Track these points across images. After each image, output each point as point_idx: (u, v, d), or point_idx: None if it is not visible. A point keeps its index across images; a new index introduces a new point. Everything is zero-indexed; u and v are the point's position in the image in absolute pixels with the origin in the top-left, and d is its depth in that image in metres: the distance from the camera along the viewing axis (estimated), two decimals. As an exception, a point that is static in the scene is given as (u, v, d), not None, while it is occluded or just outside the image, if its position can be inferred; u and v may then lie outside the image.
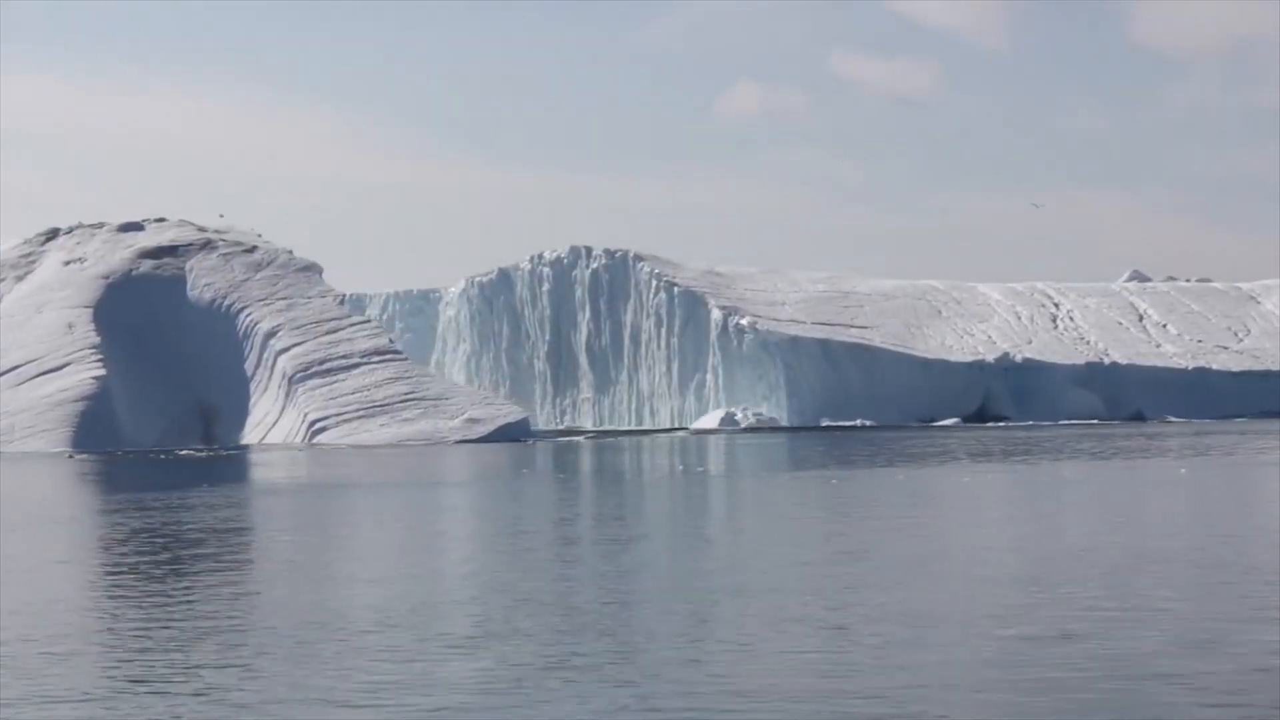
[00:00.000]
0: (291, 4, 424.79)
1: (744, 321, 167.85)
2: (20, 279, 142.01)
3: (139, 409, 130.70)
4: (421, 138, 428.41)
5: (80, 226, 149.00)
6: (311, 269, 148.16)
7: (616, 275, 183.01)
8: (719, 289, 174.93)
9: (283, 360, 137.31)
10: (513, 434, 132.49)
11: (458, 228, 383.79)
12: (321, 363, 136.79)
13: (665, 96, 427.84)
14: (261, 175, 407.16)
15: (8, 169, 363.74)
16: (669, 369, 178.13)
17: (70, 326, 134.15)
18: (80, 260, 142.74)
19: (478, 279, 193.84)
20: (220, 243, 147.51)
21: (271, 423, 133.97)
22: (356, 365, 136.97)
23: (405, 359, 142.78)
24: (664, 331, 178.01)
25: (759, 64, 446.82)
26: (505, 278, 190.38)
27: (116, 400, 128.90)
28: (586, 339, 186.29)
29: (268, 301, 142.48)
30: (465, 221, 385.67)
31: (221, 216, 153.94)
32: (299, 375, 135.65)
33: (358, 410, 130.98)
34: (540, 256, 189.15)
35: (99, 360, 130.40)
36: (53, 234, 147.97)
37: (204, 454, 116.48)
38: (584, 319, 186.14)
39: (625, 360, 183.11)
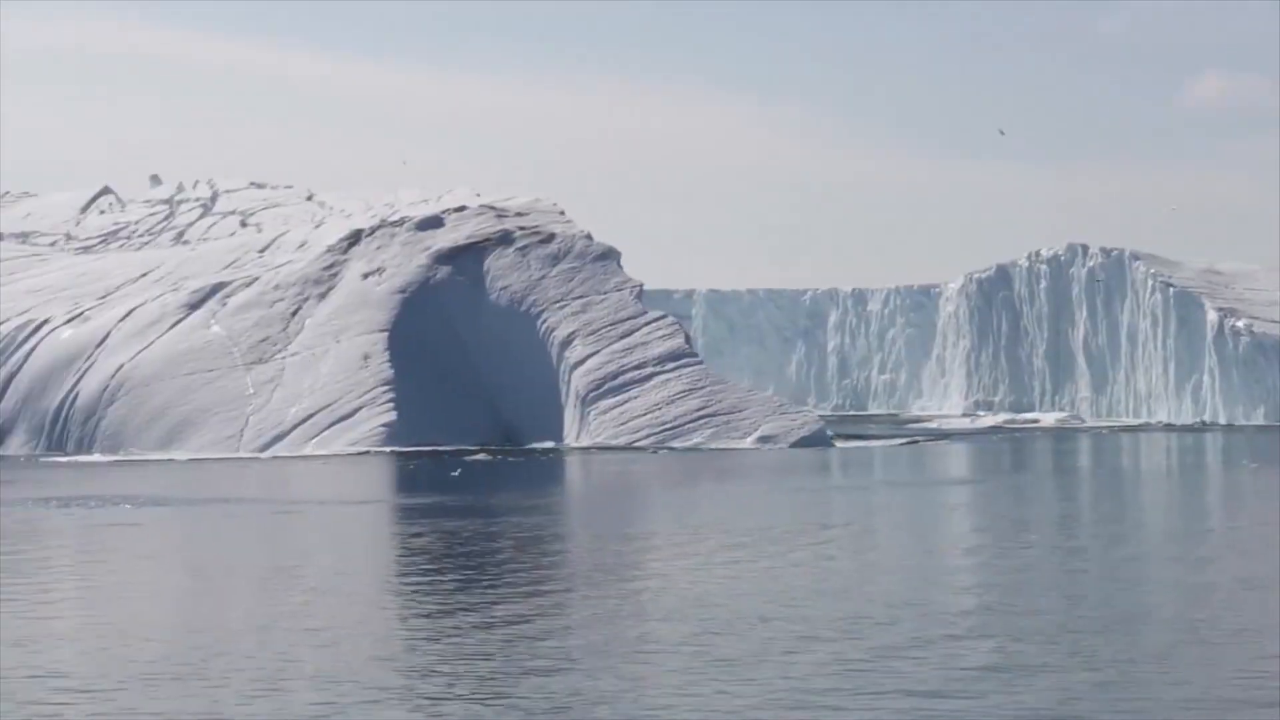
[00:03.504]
0: None
1: (1240, 324, 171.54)
2: (323, 296, 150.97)
3: (434, 437, 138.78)
4: (901, 135, 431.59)
5: (383, 226, 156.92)
6: (609, 256, 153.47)
7: (1112, 273, 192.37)
8: (1216, 289, 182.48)
9: (576, 377, 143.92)
10: (810, 444, 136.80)
11: (956, 223, 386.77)
12: (614, 376, 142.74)
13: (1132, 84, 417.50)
14: (688, 171, 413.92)
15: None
16: (1165, 370, 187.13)
17: (366, 358, 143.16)
18: (379, 271, 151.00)
19: (976, 275, 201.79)
20: (518, 233, 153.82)
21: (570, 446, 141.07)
22: (650, 376, 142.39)
23: (700, 362, 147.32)
24: (1159, 332, 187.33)
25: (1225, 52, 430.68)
26: (1004, 274, 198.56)
27: (409, 435, 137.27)
28: (1084, 337, 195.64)
29: (563, 303, 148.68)
30: (964, 217, 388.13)
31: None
32: (591, 395, 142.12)
33: (647, 435, 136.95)
34: (1038, 254, 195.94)
35: (390, 401, 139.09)
36: (355, 238, 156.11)
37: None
38: (1081, 317, 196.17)
39: (1122, 360, 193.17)
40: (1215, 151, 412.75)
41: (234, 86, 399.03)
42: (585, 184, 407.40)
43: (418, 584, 48.44)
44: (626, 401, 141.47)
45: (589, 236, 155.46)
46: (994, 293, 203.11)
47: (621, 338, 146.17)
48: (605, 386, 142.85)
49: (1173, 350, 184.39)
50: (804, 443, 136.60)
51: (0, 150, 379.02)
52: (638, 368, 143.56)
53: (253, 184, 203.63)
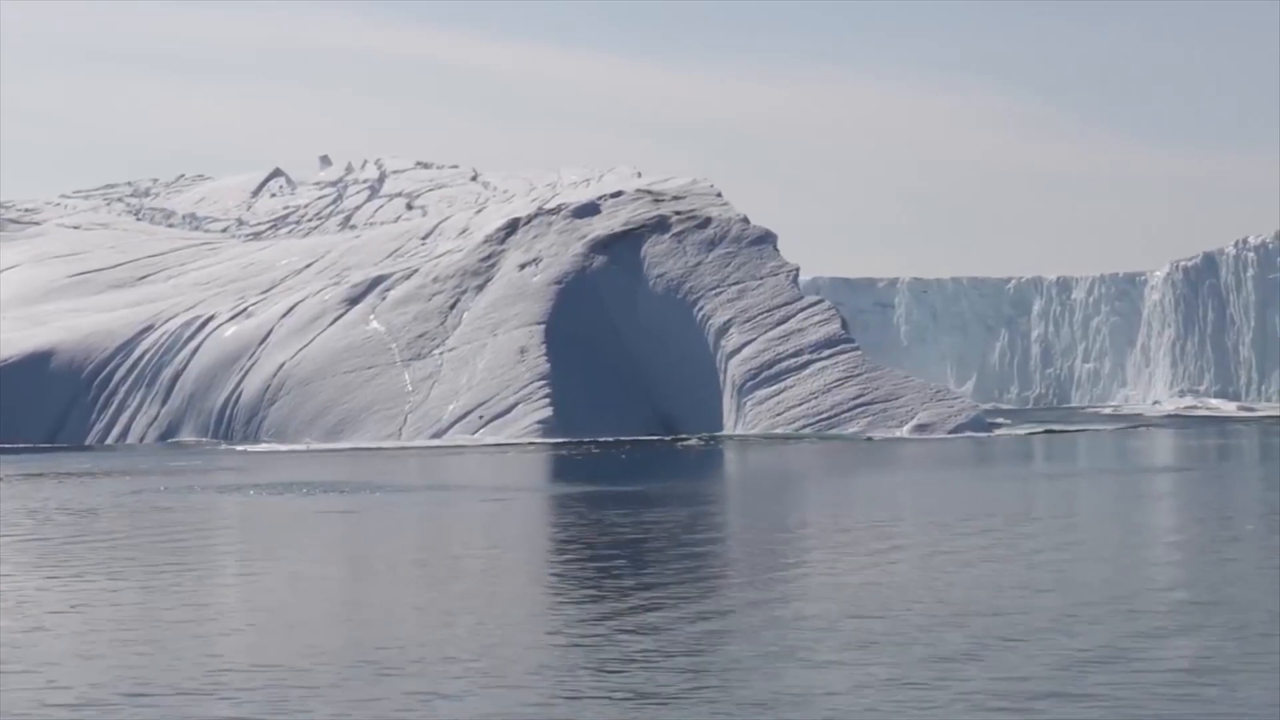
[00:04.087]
0: None
1: None
2: (480, 288, 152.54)
3: (592, 429, 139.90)
4: (1107, 122, 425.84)
5: (540, 214, 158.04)
6: (765, 240, 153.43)
7: None
8: None
9: (733, 366, 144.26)
10: (971, 430, 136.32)
11: (1162, 211, 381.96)
12: (770, 365, 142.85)
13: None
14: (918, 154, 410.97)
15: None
16: None
17: (523, 351, 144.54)
18: (535, 261, 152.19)
19: (1182, 263, 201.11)
20: (674, 218, 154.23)
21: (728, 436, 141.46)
22: (806, 364, 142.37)
23: (857, 348, 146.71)
24: None
25: None
26: (1210, 262, 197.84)
27: (566, 428, 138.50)
28: None
29: (719, 289, 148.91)
30: (1170, 204, 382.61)
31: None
32: (748, 385, 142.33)
33: (804, 426, 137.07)
34: (1245, 241, 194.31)
35: (546, 396, 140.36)
36: (512, 227, 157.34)
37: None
38: None
39: None
40: None
41: (402, 71, 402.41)
42: (779, 171, 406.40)
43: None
44: (783, 391, 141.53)
45: (745, 220, 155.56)
46: (1200, 281, 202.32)
47: (778, 324, 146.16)
48: (761, 375, 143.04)
49: None
50: (961, 429, 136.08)
51: (180, 136, 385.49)
52: (794, 355, 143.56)
53: (419, 164, 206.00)
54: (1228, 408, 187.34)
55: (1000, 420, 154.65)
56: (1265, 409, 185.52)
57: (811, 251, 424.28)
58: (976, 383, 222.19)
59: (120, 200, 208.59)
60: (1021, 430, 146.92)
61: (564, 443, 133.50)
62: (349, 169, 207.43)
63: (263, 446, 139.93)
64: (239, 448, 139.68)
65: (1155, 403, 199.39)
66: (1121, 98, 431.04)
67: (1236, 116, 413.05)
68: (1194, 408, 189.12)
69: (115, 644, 34.72)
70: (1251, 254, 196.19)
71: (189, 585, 46.02)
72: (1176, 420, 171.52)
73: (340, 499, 79.38)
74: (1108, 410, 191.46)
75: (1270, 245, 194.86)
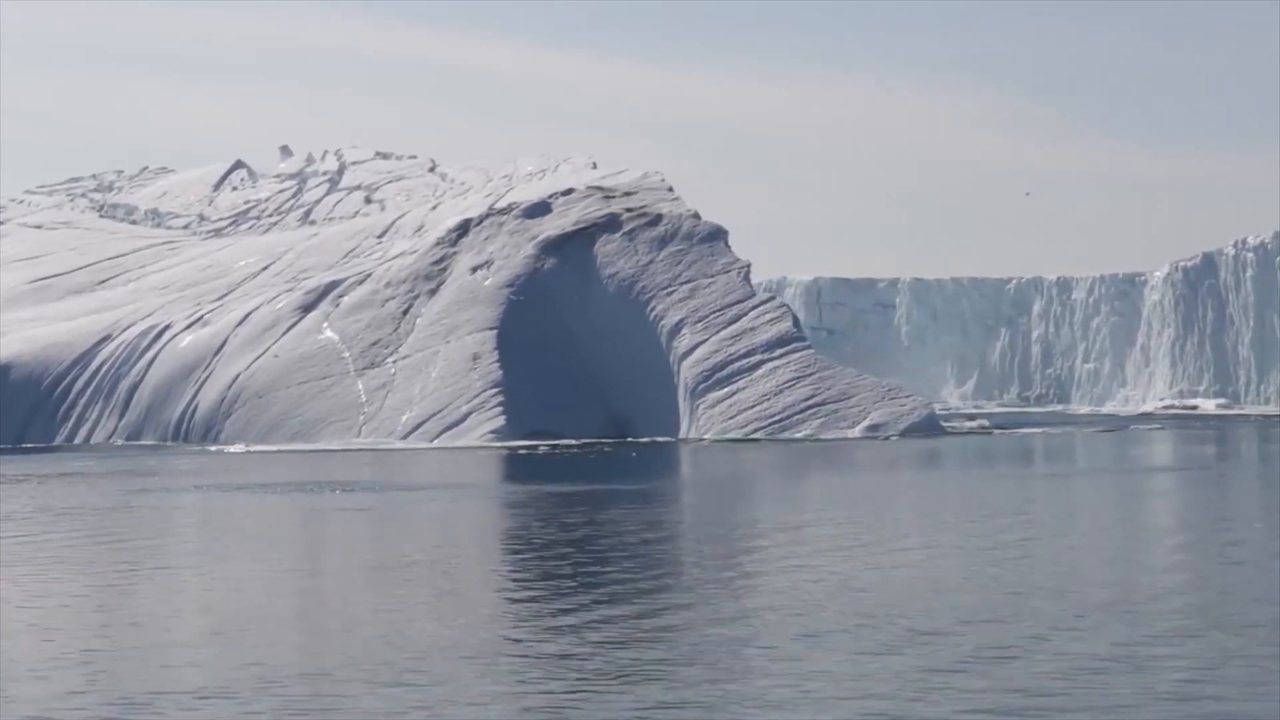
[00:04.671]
0: None
1: None
2: (433, 292, 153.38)
3: (545, 432, 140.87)
4: (1105, 123, 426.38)
5: (491, 214, 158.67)
6: (716, 236, 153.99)
7: None
8: None
9: (685, 368, 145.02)
10: (921, 432, 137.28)
11: (1161, 211, 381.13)
12: (722, 367, 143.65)
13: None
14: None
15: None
16: None
17: (475, 359, 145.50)
18: (487, 264, 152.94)
19: (1182, 264, 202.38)
20: (625, 215, 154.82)
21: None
22: (758, 364, 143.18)
23: (808, 347, 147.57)
24: None
25: None
26: (1209, 262, 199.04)
27: (520, 435, 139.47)
28: None
29: (671, 289, 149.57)
30: (1169, 205, 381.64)
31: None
32: (700, 387, 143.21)
33: (757, 429, 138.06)
34: (1244, 242, 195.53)
35: (499, 405, 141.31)
36: (464, 229, 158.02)
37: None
38: None
39: None
40: None
41: (362, 62, 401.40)
42: (777, 172, 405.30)
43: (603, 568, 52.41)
44: (735, 393, 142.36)
45: (696, 216, 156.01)
46: (1200, 281, 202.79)
47: (729, 324, 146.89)
48: (713, 378, 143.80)
49: None
50: (913, 430, 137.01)
51: (145, 129, 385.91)
52: (746, 355, 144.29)
53: (378, 154, 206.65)
54: (1207, 406, 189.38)
55: (952, 421, 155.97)
56: (1251, 408, 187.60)
57: (811, 252, 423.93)
58: (977, 382, 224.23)
59: (84, 196, 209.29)
60: (969, 430, 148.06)
61: (516, 446, 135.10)
62: (309, 160, 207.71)
63: (232, 447, 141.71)
64: (211, 448, 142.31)
65: (1139, 402, 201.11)
66: (1120, 98, 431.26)
67: (1235, 117, 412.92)
68: (1170, 407, 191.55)
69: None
70: (1250, 254, 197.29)
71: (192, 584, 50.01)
72: (1150, 419, 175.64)
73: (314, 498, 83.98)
74: (1106, 410, 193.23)
75: (1269, 245, 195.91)
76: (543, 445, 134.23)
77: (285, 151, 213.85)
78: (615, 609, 41.25)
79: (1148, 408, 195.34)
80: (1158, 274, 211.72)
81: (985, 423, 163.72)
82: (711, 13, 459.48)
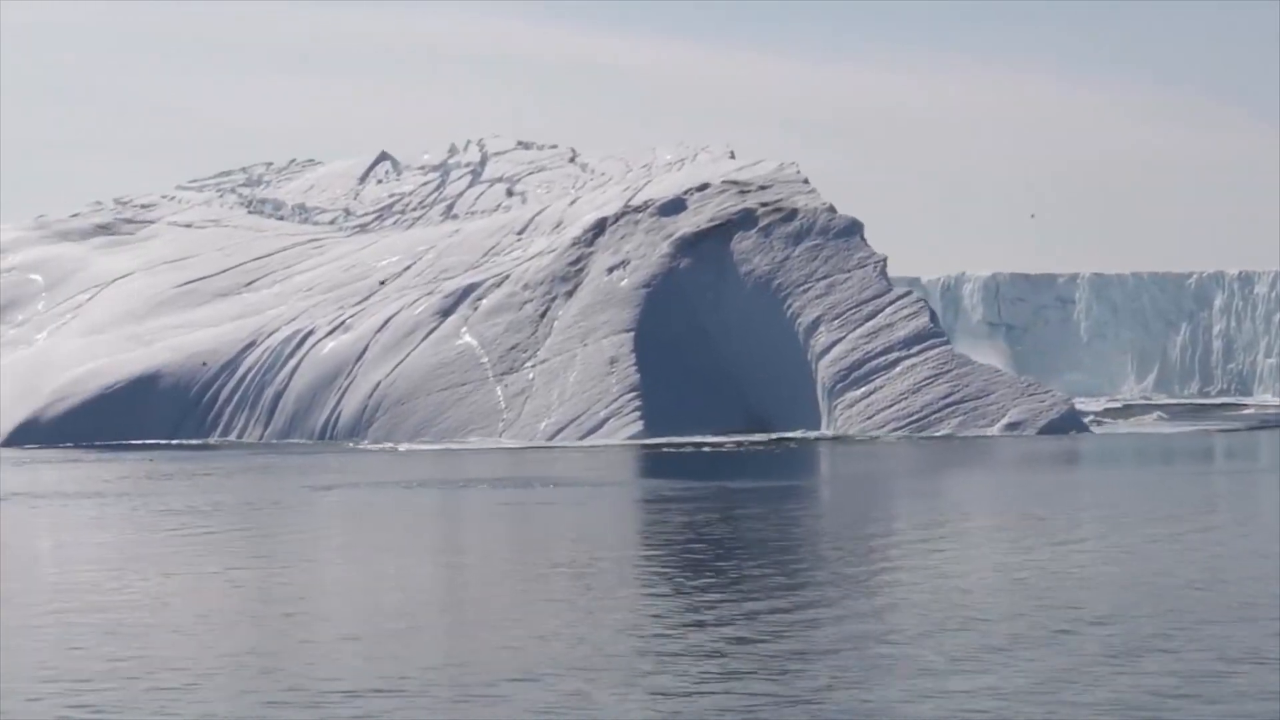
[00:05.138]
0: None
1: None
2: (570, 294, 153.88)
3: (683, 432, 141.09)
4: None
5: (627, 212, 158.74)
6: (852, 230, 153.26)
7: None
8: None
9: (821, 368, 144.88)
10: (1061, 429, 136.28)
11: None
12: (859, 365, 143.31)
13: None
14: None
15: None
16: None
17: (612, 362, 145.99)
18: (623, 264, 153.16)
19: None
20: (760, 210, 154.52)
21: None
22: (895, 362, 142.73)
23: (946, 343, 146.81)
24: None
25: None
26: None
27: (656, 435, 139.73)
28: None
29: (807, 286, 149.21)
30: None
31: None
32: (837, 387, 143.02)
33: (895, 429, 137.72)
34: None
35: (637, 410, 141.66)
36: (600, 228, 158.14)
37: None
38: None
39: None
40: None
41: (503, 57, 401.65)
42: (943, 169, 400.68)
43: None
44: (873, 392, 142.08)
45: (832, 209, 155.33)
46: None
47: (866, 320, 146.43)
48: (851, 376, 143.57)
49: None
50: (1052, 428, 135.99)
51: (293, 123, 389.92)
52: (883, 353, 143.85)
53: (520, 144, 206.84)
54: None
55: (1097, 417, 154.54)
56: None
57: (989, 249, 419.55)
58: (1157, 377, 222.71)
59: (233, 190, 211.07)
60: (1123, 428, 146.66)
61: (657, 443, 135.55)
62: (452, 150, 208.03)
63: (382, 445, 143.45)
64: (374, 446, 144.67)
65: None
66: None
67: None
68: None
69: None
70: None
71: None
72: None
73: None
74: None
75: None
76: (685, 444, 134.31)
77: (389, 161, 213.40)
78: (756, 603, 42.60)
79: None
80: None
81: (1162, 414, 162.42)
82: (849, 6, 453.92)
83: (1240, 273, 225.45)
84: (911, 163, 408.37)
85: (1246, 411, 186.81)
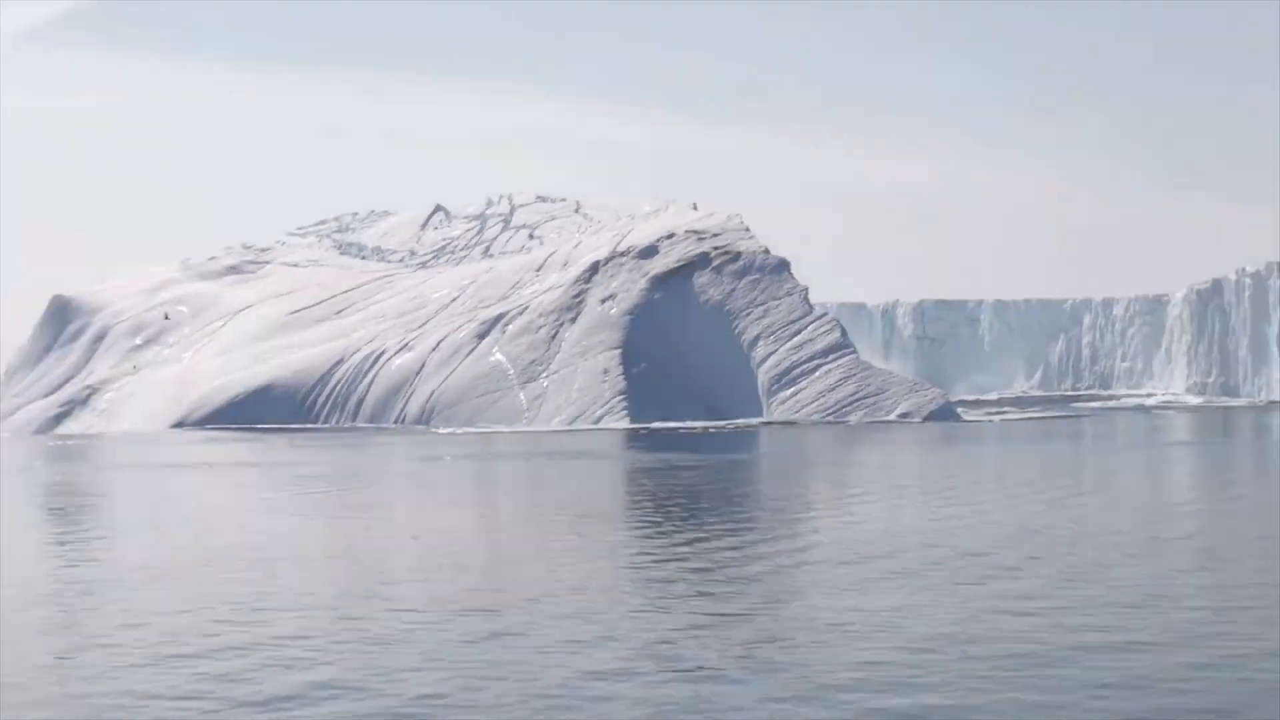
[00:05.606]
0: None
1: None
2: (573, 320, 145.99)
3: (658, 419, 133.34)
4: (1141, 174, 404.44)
5: (614, 257, 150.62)
6: (781, 267, 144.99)
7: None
8: None
9: (761, 372, 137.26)
10: (940, 417, 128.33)
11: (1181, 246, 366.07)
12: (789, 370, 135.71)
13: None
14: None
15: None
16: None
17: (605, 372, 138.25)
18: (612, 297, 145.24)
19: (1196, 287, 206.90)
20: (714, 253, 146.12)
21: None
22: (816, 368, 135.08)
23: (853, 352, 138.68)
24: None
25: None
26: (1217, 286, 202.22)
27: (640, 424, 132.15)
28: (1278, 334, 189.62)
29: (749, 310, 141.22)
30: (1186, 241, 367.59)
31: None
32: (773, 387, 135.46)
33: (815, 417, 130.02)
34: (1244, 270, 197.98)
35: (624, 409, 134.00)
36: (594, 269, 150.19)
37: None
38: (1276, 319, 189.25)
39: None
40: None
41: (529, 132, 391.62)
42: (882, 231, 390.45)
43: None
44: (799, 390, 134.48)
45: (766, 250, 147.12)
46: (1209, 300, 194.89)
47: (793, 336, 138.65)
48: (783, 379, 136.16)
49: None
50: (933, 416, 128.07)
51: (370, 178, 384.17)
52: (807, 361, 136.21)
53: (538, 198, 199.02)
54: (1216, 397, 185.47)
55: (962, 408, 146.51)
56: (1246, 399, 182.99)
57: (918, 280, 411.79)
58: (1040, 377, 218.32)
59: (328, 236, 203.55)
60: (979, 415, 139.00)
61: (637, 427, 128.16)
62: (488, 203, 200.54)
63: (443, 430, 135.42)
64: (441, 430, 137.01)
65: (1164, 393, 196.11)
66: (1148, 157, 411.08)
67: (1240, 169, 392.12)
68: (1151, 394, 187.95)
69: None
70: (1248, 280, 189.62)
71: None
72: (1171, 405, 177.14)
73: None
74: (1133, 399, 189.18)
75: (1262, 273, 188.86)
76: (661, 428, 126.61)
77: (443, 212, 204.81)
78: (710, 540, 41.21)
79: (1168, 398, 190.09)
80: (1178, 295, 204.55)
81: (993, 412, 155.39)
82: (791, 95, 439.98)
83: (1103, 299, 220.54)
84: (855, 214, 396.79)
85: (1105, 404, 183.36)
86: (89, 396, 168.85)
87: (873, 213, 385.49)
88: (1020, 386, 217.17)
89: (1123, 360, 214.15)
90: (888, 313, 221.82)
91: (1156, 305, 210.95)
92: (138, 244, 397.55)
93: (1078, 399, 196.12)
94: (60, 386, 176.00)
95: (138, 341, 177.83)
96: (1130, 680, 22.33)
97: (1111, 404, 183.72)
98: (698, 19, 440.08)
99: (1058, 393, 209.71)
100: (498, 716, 20.75)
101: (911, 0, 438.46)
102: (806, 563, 36.15)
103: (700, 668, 23.77)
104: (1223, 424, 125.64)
